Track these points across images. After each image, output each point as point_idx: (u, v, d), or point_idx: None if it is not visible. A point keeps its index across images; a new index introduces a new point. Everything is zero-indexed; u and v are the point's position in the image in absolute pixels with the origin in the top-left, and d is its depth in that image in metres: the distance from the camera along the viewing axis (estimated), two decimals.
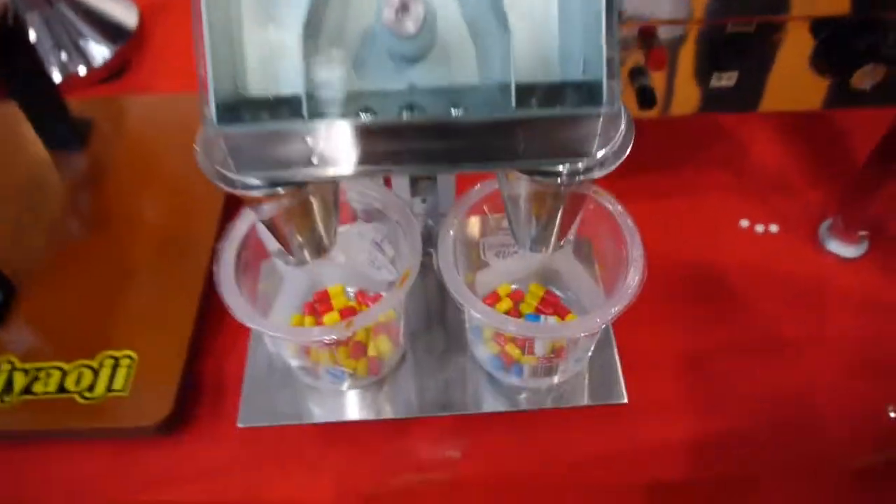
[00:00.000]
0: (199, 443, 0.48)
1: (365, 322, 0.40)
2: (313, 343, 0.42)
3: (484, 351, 0.48)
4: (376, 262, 0.47)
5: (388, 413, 0.47)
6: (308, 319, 0.49)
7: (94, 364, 0.49)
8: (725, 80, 0.46)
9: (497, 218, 0.49)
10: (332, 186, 0.36)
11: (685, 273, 0.56)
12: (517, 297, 0.50)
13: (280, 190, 0.32)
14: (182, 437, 0.48)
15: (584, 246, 0.51)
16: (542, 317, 0.48)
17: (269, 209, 0.35)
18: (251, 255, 0.45)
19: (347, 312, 0.49)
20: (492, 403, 0.47)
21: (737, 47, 0.44)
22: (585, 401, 0.47)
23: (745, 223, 0.59)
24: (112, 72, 0.74)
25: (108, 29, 0.74)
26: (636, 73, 0.45)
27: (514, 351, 0.47)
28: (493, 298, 0.50)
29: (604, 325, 0.38)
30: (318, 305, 0.49)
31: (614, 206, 0.43)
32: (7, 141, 0.64)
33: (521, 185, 0.35)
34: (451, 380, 0.48)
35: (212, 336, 0.53)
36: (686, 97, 0.48)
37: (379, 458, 0.47)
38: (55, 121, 0.62)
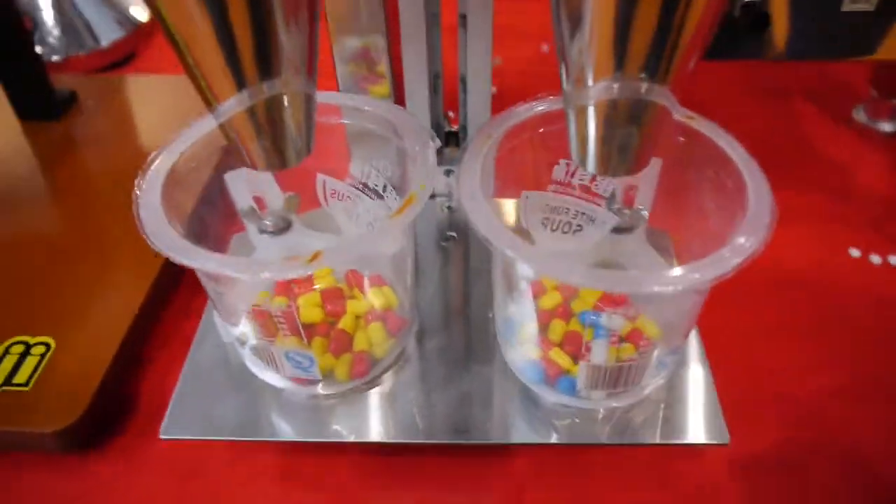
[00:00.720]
0: (116, 466, 0.35)
1: (338, 258, 0.26)
2: (263, 297, 0.29)
3: (519, 355, 0.34)
4: (377, 223, 0.34)
5: (377, 434, 0.33)
6: (279, 300, 0.36)
7: None
8: (863, 2, 0.34)
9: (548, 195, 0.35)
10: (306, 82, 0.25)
11: (785, 303, 0.44)
12: (569, 292, 0.36)
13: None
14: (97, 455, 0.35)
15: (659, 236, 0.38)
16: (605, 314, 0.34)
17: (228, 107, 0.25)
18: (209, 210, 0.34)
19: (333, 295, 0.35)
20: (524, 431, 0.32)
21: None
22: (658, 437, 0.32)
23: (855, 252, 0.48)
24: (117, 59, 0.68)
25: (117, 15, 0.68)
26: None
27: (561, 358, 0.33)
28: (535, 288, 0.36)
29: (734, 267, 0.24)
30: (295, 286, 0.36)
31: (721, 137, 0.29)
32: None
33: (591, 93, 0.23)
34: (470, 394, 0.33)
35: (158, 344, 0.41)
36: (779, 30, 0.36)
37: (362, 498, 0.33)
38: (31, 91, 0.55)
